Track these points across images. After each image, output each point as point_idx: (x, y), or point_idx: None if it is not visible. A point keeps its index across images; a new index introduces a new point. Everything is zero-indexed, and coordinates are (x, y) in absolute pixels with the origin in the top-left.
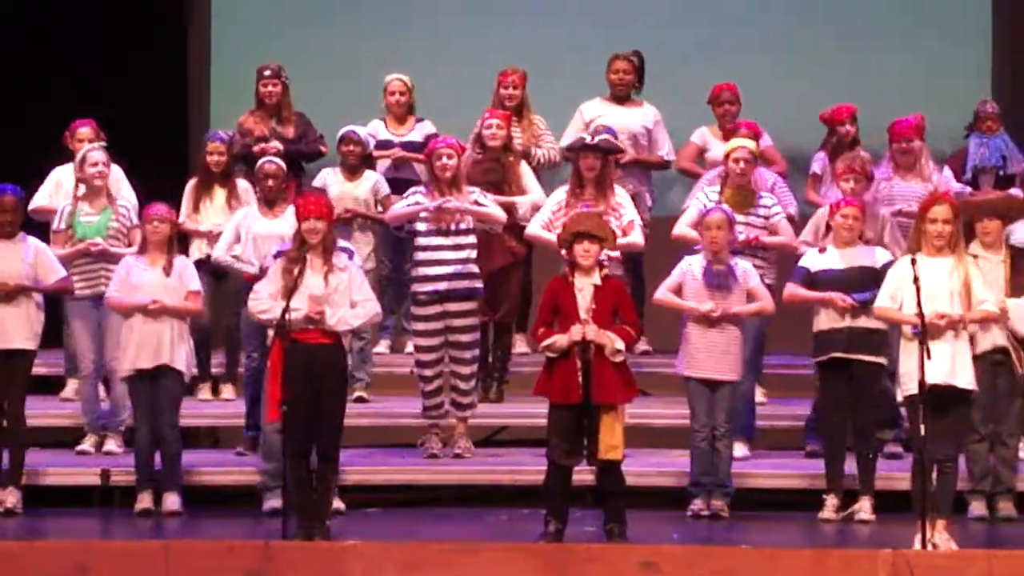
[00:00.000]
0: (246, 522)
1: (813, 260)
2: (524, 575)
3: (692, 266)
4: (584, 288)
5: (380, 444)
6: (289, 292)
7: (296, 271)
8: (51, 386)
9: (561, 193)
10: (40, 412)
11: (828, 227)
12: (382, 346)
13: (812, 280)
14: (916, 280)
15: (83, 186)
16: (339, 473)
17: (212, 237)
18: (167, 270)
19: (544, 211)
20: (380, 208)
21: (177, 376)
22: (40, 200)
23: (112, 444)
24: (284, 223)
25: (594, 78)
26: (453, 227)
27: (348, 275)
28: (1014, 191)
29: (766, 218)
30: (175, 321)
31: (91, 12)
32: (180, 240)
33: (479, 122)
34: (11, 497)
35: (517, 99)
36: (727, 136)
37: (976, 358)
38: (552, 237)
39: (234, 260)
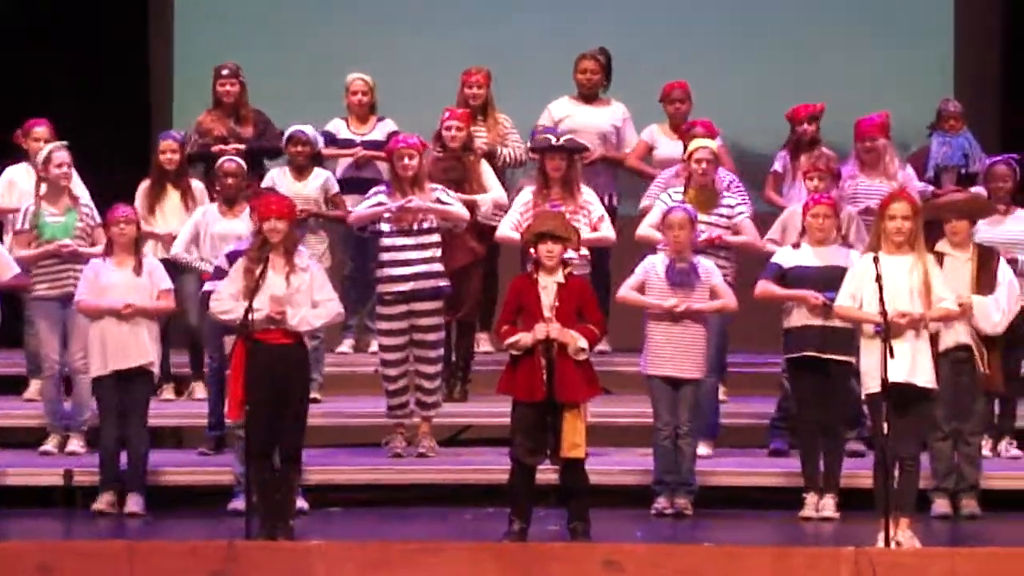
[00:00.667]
0: (209, 522)
1: (786, 256)
2: (488, 574)
3: (655, 264)
4: (548, 286)
5: (344, 444)
6: (251, 292)
7: (258, 271)
8: (14, 386)
9: (528, 194)
10: (2, 412)
11: (803, 228)
12: (345, 346)
13: (784, 276)
14: (879, 278)
15: (45, 186)
16: (302, 473)
17: (169, 240)
18: (137, 270)
19: (512, 213)
20: (332, 206)
21: (149, 378)
22: None
23: (75, 444)
24: (243, 223)
25: (560, 75)
26: (416, 227)
27: (310, 275)
28: (976, 190)
29: (729, 217)
30: (149, 322)
31: (49, 12)
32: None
33: (440, 121)
34: None
35: (481, 98)
36: (680, 135)
37: (940, 356)
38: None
39: (193, 258)
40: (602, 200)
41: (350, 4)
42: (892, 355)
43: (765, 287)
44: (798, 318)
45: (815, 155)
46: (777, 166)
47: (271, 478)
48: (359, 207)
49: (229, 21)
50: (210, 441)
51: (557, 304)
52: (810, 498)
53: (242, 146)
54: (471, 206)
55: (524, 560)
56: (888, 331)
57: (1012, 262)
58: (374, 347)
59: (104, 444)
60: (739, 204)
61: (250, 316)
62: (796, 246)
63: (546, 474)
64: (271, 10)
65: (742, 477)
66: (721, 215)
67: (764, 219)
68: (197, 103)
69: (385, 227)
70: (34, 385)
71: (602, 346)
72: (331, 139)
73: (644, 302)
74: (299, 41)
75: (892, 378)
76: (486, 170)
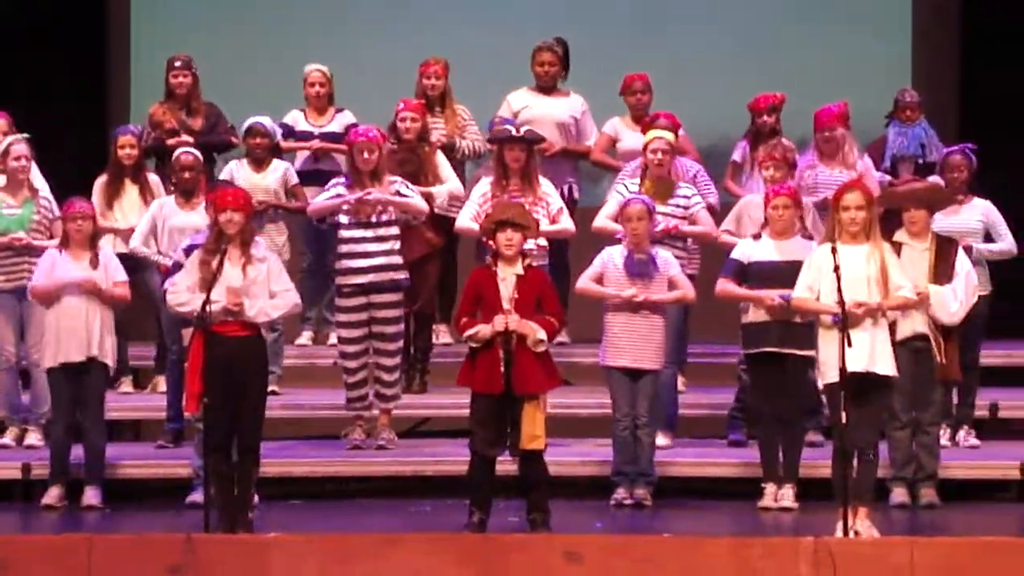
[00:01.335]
0: (168, 515)
1: (746, 250)
2: (448, 566)
3: (613, 255)
4: (507, 278)
5: (303, 436)
6: (208, 284)
7: (214, 263)
8: None
9: (486, 184)
10: None
11: (765, 219)
12: (304, 337)
13: (745, 272)
14: (837, 269)
15: (3, 178)
16: (260, 465)
17: (128, 235)
18: (93, 263)
19: (471, 204)
20: (292, 198)
21: (103, 369)
22: None
23: (33, 438)
24: (200, 216)
25: (518, 65)
26: (375, 219)
27: (267, 266)
28: (933, 179)
29: (685, 208)
30: (103, 312)
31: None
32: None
33: (395, 112)
34: None
35: (439, 89)
36: (642, 126)
37: (897, 345)
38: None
39: (150, 252)
40: (562, 192)
41: None
42: (850, 344)
43: (724, 287)
44: (756, 314)
45: (771, 144)
46: (736, 156)
47: (229, 471)
48: (317, 199)
49: (188, 13)
50: (168, 434)
51: (516, 296)
52: (769, 488)
53: (192, 139)
54: (427, 198)
55: (484, 551)
56: (846, 321)
57: (967, 250)
58: (333, 339)
59: (54, 436)
60: (695, 195)
61: (207, 308)
62: (757, 237)
63: (505, 466)
64: (229, 2)
65: (701, 467)
66: (678, 205)
67: (728, 210)
68: (155, 97)
69: (344, 219)
70: None
71: (561, 338)
72: (289, 131)
73: (603, 293)
74: (257, 33)
75: (851, 367)
76: (442, 161)
